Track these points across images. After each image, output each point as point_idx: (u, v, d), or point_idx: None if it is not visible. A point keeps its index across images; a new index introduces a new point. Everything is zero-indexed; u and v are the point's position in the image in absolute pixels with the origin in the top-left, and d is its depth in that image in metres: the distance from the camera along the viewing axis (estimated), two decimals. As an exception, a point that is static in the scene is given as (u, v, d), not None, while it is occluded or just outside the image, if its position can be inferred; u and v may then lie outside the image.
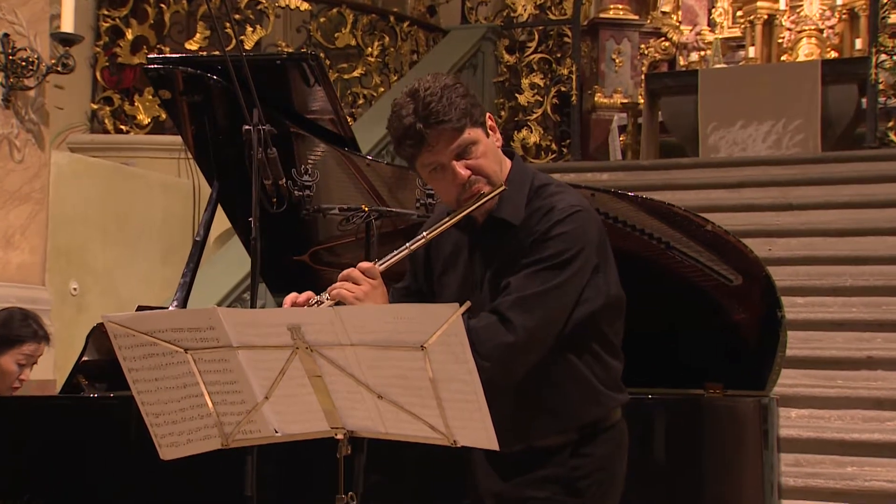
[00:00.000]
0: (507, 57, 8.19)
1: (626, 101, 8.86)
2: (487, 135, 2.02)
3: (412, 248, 2.00)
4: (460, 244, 2.12)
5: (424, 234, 2.02)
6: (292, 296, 2.01)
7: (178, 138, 5.35)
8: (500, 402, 1.70)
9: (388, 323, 1.65)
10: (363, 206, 2.73)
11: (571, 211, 1.98)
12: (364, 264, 1.98)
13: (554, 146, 8.19)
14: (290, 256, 3.25)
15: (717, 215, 5.24)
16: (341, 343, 1.69)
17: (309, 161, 3.00)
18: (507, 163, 2.09)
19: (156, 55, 3.23)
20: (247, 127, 2.43)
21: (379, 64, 7.41)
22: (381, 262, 1.99)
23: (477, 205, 2.00)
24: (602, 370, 2.05)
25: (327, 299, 1.96)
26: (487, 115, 2.05)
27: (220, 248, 5.49)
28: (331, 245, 3.21)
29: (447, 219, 2.02)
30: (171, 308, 2.92)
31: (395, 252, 2.00)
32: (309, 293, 2.01)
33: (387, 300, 2.00)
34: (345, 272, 1.99)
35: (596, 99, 8.87)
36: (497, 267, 2.02)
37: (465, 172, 1.98)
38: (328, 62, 7.05)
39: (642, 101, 8.45)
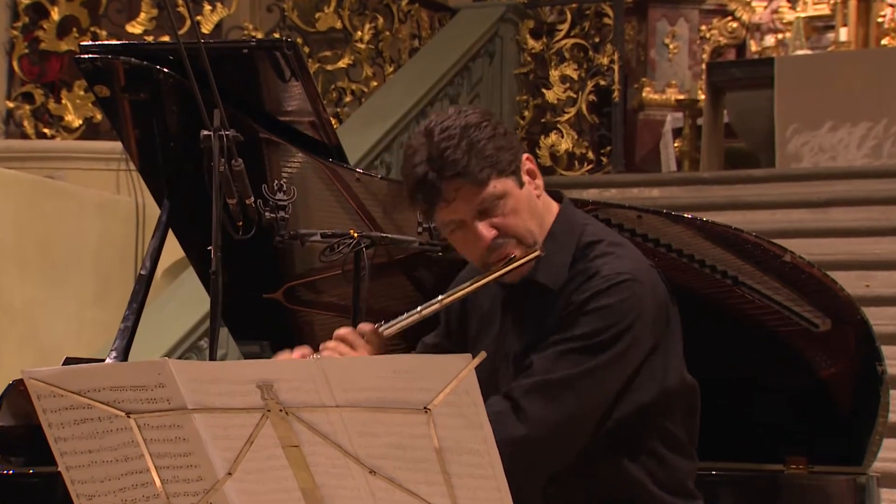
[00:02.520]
0: (531, 43, 8.23)
1: (682, 97, 8.89)
2: (521, 184, 2.06)
3: (424, 312, 2.06)
4: (496, 304, 2.17)
5: (441, 297, 2.07)
6: (284, 354, 2.06)
7: (118, 145, 5.40)
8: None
9: (383, 378, 1.67)
10: (351, 232, 2.75)
11: (619, 279, 2.00)
12: (365, 325, 2.04)
13: (590, 154, 8.21)
14: (259, 294, 3.27)
15: (798, 242, 5.24)
16: (325, 404, 1.71)
17: (284, 175, 3.02)
18: (554, 208, 2.13)
19: (90, 42, 3.28)
20: (206, 132, 2.46)
21: (371, 52, 7.47)
22: (386, 325, 2.05)
23: (503, 271, 2.05)
24: (664, 472, 2.09)
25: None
26: (525, 157, 2.08)
27: (171, 284, 5.51)
28: (310, 280, 3.23)
29: (469, 283, 2.08)
30: (108, 361, 2.94)
31: (405, 316, 2.06)
32: (305, 349, 2.05)
33: None
34: (340, 331, 2.04)
35: (644, 95, 8.92)
36: (528, 340, 2.07)
37: (489, 234, 2.03)
38: (307, 50, 7.12)
39: (703, 97, 8.49)
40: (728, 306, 2.80)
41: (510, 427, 1.92)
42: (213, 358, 2.50)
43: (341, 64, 7.34)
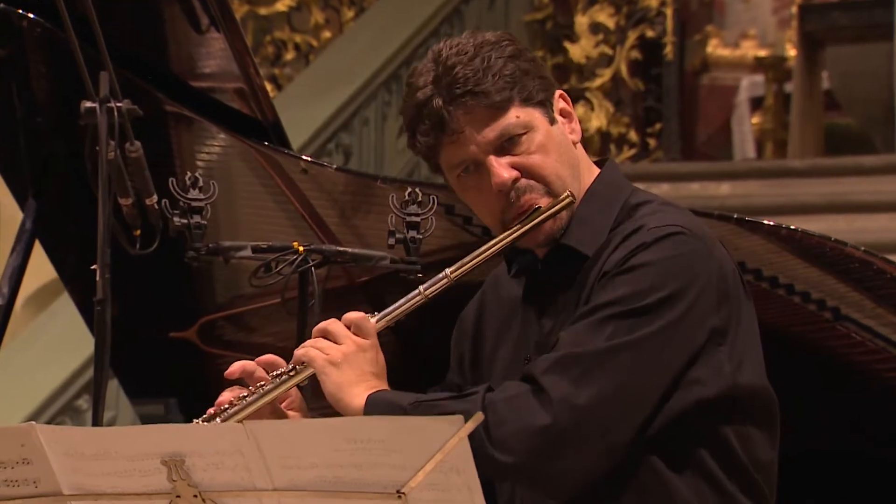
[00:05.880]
0: (549, -24, 8.26)
1: (763, 53, 8.90)
2: (553, 121, 2.19)
3: (427, 292, 2.15)
4: (515, 304, 2.27)
5: (448, 270, 2.16)
6: (237, 365, 2.18)
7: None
8: None
9: (339, 451, 1.67)
10: (295, 245, 2.76)
11: (669, 231, 2.10)
12: (353, 314, 2.13)
13: (633, 135, 8.23)
14: (163, 332, 3.28)
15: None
16: (256, 487, 1.71)
17: (199, 164, 3.03)
18: (594, 169, 2.26)
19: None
20: (88, 104, 2.47)
21: (322, -10, 7.48)
22: (379, 316, 2.15)
23: (526, 227, 2.14)
24: None
25: (284, 373, 2.11)
26: (558, 93, 2.22)
27: (38, 318, 5.51)
28: (237, 312, 3.24)
29: (484, 248, 2.17)
30: (-51, 426, 2.94)
31: (401, 302, 2.16)
32: (270, 357, 2.17)
33: (382, 377, 2.11)
34: (321, 325, 2.13)
35: (709, 51, 8.92)
36: (554, 324, 2.16)
37: (509, 174, 2.13)
38: (231, -14, 7.13)
39: (793, 53, 8.51)
40: (826, 350, 2.82)
41: (531, 414, 1.99)
42: (98, 423, 2.51)
43: (280, 6, 7.35)
